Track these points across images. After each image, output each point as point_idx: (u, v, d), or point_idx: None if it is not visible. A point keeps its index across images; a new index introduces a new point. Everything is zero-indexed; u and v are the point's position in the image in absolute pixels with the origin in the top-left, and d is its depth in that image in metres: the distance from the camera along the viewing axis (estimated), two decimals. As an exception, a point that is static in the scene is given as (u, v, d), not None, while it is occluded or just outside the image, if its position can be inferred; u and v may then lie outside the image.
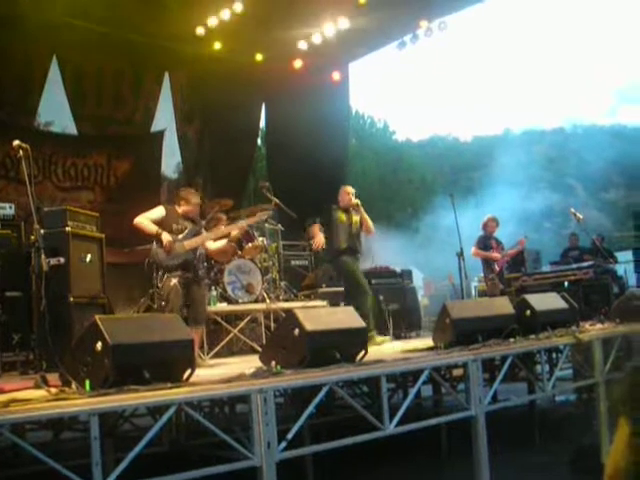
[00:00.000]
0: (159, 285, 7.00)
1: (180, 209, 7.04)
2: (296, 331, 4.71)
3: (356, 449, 4.74)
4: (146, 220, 6.82)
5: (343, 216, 8.45)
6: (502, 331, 6.15)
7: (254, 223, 8.22)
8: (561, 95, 71.92)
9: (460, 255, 8.67)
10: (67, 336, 6.12)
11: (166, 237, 6.73)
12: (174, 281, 6.71)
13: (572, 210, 10.42)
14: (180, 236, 6.88)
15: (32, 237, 4.78)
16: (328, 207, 8.60)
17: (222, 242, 7.40)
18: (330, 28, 11.97)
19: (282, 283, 9.68)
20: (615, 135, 39.10)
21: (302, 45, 12.44)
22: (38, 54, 10.99)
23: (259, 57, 12.68)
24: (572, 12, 77.27)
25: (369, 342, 6.07)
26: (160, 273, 6.98)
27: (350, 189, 8.62)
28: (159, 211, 6.95)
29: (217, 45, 11.95)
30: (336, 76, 13.42)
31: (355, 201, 8.45)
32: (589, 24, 73.99)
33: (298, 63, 12.77)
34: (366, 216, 8.52)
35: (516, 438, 6.53)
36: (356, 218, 8.50)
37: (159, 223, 6.83)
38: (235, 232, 7.71)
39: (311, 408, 4.47)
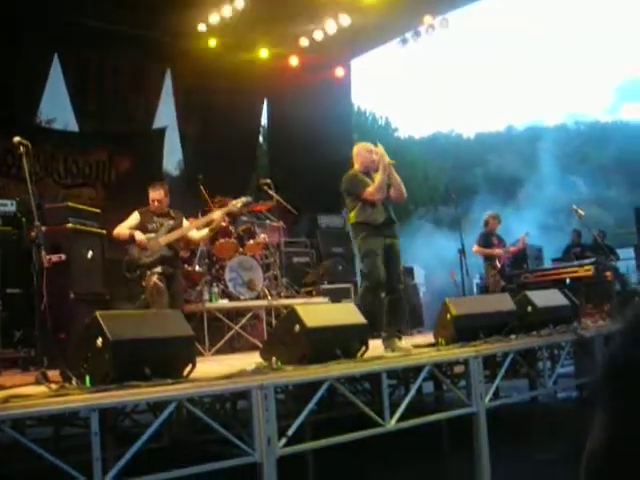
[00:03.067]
0: (142, 284, 7.11)
1: (151, 207, 7.32)
2: (297, 327, 4.72)
3: (357, 445, 4.74)
4: (122, 228, 7.14)
5: (366, 179, 6.34)
6: (503, 327, 6.15)
7: (229, 211, 8.03)
8: (563, 92, 71.88)
9: (461, 252, 8.67)
10: (68, 332, 6.13)
11: (139, 236, 7.04)
12: (154, 279, 6.91)
13: (574, 207, 10.40)
14: (153, 234, 7.14)
15: (32, 234, 4.79)
16: (345, 176, 6.49)
17: (204, 231, 7.58)
18: (332, 24, 11.91)
19: (283, 280, 9.67)
20: (617, 132, 39.08)
21: (304, 42, 12.38)
22: (40, 51, 10.98)
23: (260, 54, 12.64)
24: (574, 9, 77.15)
25: (388, 347, 6.01)
26: (139, 272, 7.10)
27: (371, 146, 6.49)
28: (134, 217, 7.26)
29: (219, 41, 11.92)
30: (339, 73, 13.38)
31: (390, 160, 6.29)
32: (591, 21, 74.00)
33: (294, 60, 12.71)
34: (398, 177, 6.43)
35: (517, 434, 6.51)
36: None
37: (136, 228, 7.14)
38: (215, 218, 7.67)
39: (312, 404, 4.48)
